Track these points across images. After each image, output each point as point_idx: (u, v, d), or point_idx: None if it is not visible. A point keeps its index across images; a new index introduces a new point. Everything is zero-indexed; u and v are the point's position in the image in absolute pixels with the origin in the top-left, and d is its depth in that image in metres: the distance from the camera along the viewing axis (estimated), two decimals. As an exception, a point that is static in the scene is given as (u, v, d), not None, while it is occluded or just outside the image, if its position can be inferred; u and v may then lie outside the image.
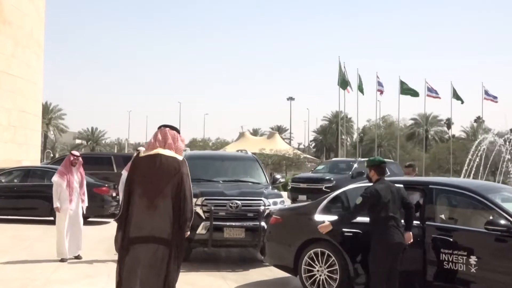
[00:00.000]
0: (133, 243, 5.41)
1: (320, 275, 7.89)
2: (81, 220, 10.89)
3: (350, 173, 21.19)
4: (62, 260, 10.26)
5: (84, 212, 10.98)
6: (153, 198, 5.40)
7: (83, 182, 10.95)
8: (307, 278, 8.01)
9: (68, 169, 10.68)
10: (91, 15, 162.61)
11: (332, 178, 21.14)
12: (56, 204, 10.51)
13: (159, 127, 5.77)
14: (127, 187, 5.59)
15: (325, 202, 8.27)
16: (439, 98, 50.50)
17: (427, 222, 7.24)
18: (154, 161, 5.49)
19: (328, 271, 7.81)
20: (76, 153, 11.15)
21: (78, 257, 10.55)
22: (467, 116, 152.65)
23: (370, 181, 7.34)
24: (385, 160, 7.76)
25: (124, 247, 5.45)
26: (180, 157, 5.59)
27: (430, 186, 7.53)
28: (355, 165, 22.20)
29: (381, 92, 47.98)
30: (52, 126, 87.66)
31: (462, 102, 50.84)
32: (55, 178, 10.62)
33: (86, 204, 11.00)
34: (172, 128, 5.75)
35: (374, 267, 6.99)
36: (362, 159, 25.51)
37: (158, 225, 5.38)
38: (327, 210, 8.14)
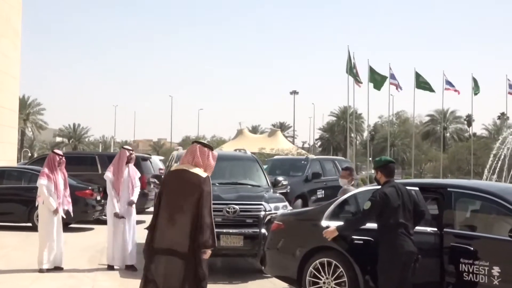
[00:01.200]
0: (156, 253, 6.06)
1: (327, 287, 7.91)
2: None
3: (305, 174, 19.08)
4: (41, 271, 10.27)
5: (72, 215, 10.99)
6: (172, 213, 6.02)
7: (67, 183, 10.99)
8: (312, 291, 8.02)
9: (54, 170, 10.70)
10: (74, 1, 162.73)
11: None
12: (53, 206, 10.50)
13: (192, 143, 6.45)
14: (158, 198, 6.28)
15: (332, 206, 8.27)
16: (458, 92, 50.29)
17: (445, 229, 7.25)
18: (178, 176, 6.18)
19: (335, 283, 7.82)
20: (60, 152, 11.19)
21: (59, 268, 10.54)
22: (489, 112, 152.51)
23: (378, 184, 7.35)
24: (392, 159, 7.69)
25: (149, 257, 6.14)
26: (204, 174, 6.14)
27: (448, 189, 7.53)
28: (309, 165, 19.83)
29: (397, 87, 47.73)
30: (30, 122, 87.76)
31: (476, 94, 50.29)
32: (43, 181, 10.60)
33: (71, 206, 11.05)
34: (205, 145, 6.33)
35: (383, 279, 7.01)
36: (316, 157, 24.74)
37: (176, 239, 5.95)
38: (335, 216, 8.13)
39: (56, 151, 11.21)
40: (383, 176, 7.26)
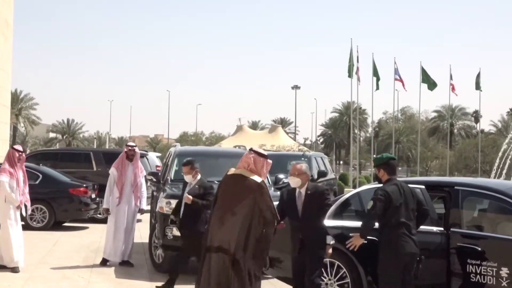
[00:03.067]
0: (208, 251, 6.49)
1: (329, 289, 7.90)
2: None
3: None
4: (14, 270, 10.25)
5: (24, 214, 10.91)
6: (223, 214, 6.49)
7: (26, 180, 10.94)
8: (314, 293, 8.01)
9: (14, 166, 10.65)
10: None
11: None
12: (17, 201, 10.41)
13: (249, 150, 6.93)
14: (214, 200, 6.91)
15: (335, 205, 8.26)
16: (453, 88, 50.09)
17: (451, 229, 7.23)
18: (231, 180, 6.66)
19: (338, 285, 7.82)
20: (20, 148, 11.08)
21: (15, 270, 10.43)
22: (498, 108, 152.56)
23: (380, 182, 7.35)
24: (394, 156, 7.68)
25: (203, 254, 6.58)
26: (259, 179, 6.50)
27: (455, 187, 7.52)
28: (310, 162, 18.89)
29: (401, 82, 47.61)
30: (23, 118, 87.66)
31: (479, 89, 49.84)
32: (4, 178, 10.50)
33: (29, 204, 11.03)
34: (260, 154, 6.68)
35: (384, 280, 7.05)
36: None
37: (224, 238, 6.37)
38: (337, 215, 8.13)
39: (16, 147, 11.05)
40: (386, 174, 7.26)
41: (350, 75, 44.84)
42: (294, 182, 7.59)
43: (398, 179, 7.30)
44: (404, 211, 6.97)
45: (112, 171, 11.45)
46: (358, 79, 45.59)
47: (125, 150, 11.62)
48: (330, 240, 7.37)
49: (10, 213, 10.48)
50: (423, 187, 7.38)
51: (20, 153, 10.81)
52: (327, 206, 7.66)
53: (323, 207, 7.52)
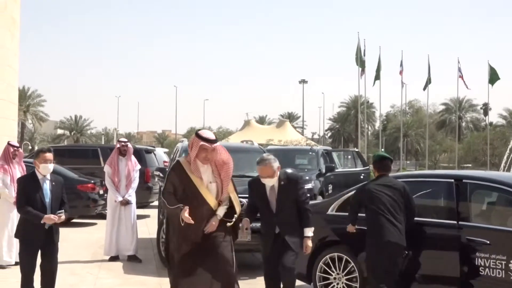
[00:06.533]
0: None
1: (337, 283, 7.90)
2: None
3: (318, 168, 17.91)
4: (1, 267, 10.31)
5: None
6: None
7: None
8: (323, 287, 8.01)
9: (9, 162, 10.65)
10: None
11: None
12: (12, 197, 10.25)
13: None
14: None
15: (342, 199, 8.24)
16: (465, 83, 50.24)
17: (460, 222, 7.20)
18: None
19: (346, 279, 7.81)
20: (15, 143, 11.03)
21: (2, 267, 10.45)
22: (507, 100, 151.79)
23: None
24: (388, 156, 7.78)
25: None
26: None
27: (464, 180, 7.48)
28: (318, 157, 18.62)
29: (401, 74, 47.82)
30: (31, 114, 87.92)
31: (493, 83, 49.65)
32: None
33: None
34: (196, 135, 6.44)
35: (370, 264, 7.28)
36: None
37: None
38: (343, 208, 8.09)
39: (11, 142, 11.01)
40: (376, 171, 7.52)
41: (357, 64, 44.89)
42: (270, 182, 7.13)
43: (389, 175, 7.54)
44: (390, 205, 7.11)
45: (106, 168, 11.51)
46: (362, 72, 45.70)
47: (118, 146, 11.63)
48: (309, 232, 7.12)
49: (4, 209, 10.47)
50: (453, 180, 7.47)
51: (16, 148, 10.76)
52: (303, 196, 7.20)
53: (300, 196, 7.15)
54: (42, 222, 7.44)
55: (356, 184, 8.70)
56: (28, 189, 7.59)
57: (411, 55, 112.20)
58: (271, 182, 7.13)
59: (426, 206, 7.79)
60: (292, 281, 7.02)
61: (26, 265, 7.54)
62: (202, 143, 6.22)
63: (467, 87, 50.55)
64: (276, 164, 7.08)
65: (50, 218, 7.46)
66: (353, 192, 7.70)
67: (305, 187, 7.65)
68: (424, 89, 50.10)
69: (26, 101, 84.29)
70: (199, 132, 6.40)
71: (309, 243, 7.11)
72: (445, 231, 7.22)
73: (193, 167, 6.26)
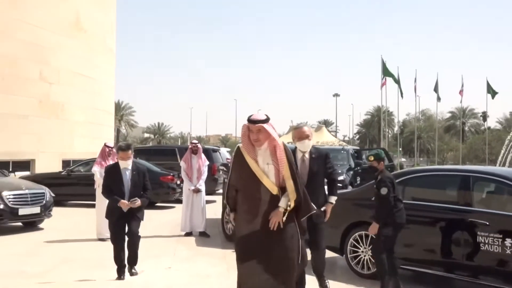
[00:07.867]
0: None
1: (364, 256, 7.80)
2: None
3: (348, 164, 17.02)
4: (103, 240, 10.39)
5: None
6: None
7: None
8: (352, 258, 7.92)
9: (106, 159, 10.78)
10: (158, 25, 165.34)
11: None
12: None
13: None
14: None
15: (367, 188, 8.11)
16: (461, 94, 49.87)
17: (465, 207, 7.03)
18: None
19: (371, 253, 7.69)
20: (110, 144, 11.12)
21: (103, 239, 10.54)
22: (502, 108, 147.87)
23: (375, 170, 7.15)
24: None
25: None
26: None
27: (468, 174, 7.29)
28: (349, 155, 17.60)
29: (415, 86, 47.27)
30: (124, 122, 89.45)
31: (493, 97, 48.83)
32: (96, 168, 10.76)
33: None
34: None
35: (382, 240, 6.85)
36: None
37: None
38: (369, 196, 7.96)
39: (107, 143, 11.12)
40: (381, 165, 7.14)
41: (385, 75, 44.38)
42: (305, 146, 6.33)
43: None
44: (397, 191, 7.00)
45: (182, 164, 11.62)
46: (383, 86, 45.44)
47: (190, 146, 11.72)
48: (333, 199, 6.56)
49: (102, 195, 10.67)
50: (459, 173, 7.33)
51: (110, 148, 10.95)
52: (332, 168, 6.56)
53: (328, 168, 6.48)
54: (118, 205, 7.35)
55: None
56: (110, 177, 7.52)
57: (423, 71, 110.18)
58: (307, 147, 6.38)
59: (438, 194, 7.62)
60: (324, 264, 6.65)
61: (115, 238, 7.47)
62: (247, 124, 5.08)
63: (461, 102, 50.29)
64: (310, 130, 6.41)
65: (123, 203, 7.33)
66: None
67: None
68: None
69: (120, 111, 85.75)
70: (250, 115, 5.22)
71: (329, 208, 6.49)
72: (453, 215, 7.06)
73: (247, 149, 5.12)
